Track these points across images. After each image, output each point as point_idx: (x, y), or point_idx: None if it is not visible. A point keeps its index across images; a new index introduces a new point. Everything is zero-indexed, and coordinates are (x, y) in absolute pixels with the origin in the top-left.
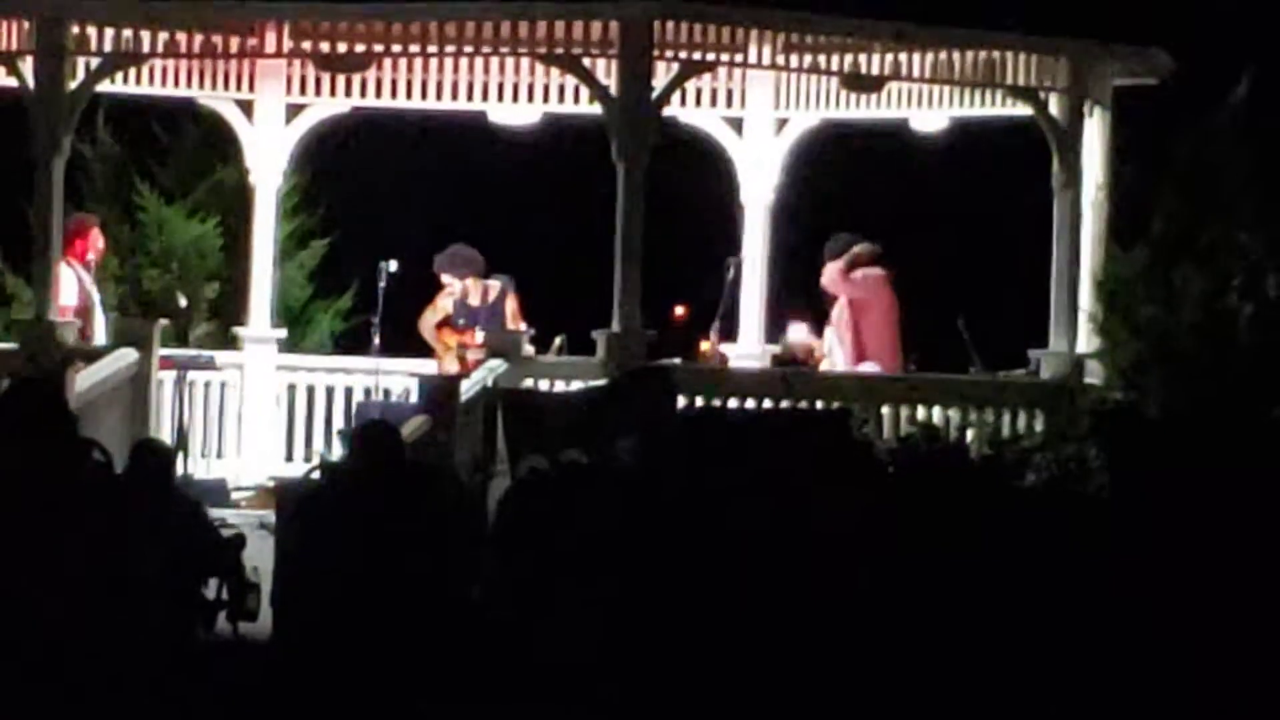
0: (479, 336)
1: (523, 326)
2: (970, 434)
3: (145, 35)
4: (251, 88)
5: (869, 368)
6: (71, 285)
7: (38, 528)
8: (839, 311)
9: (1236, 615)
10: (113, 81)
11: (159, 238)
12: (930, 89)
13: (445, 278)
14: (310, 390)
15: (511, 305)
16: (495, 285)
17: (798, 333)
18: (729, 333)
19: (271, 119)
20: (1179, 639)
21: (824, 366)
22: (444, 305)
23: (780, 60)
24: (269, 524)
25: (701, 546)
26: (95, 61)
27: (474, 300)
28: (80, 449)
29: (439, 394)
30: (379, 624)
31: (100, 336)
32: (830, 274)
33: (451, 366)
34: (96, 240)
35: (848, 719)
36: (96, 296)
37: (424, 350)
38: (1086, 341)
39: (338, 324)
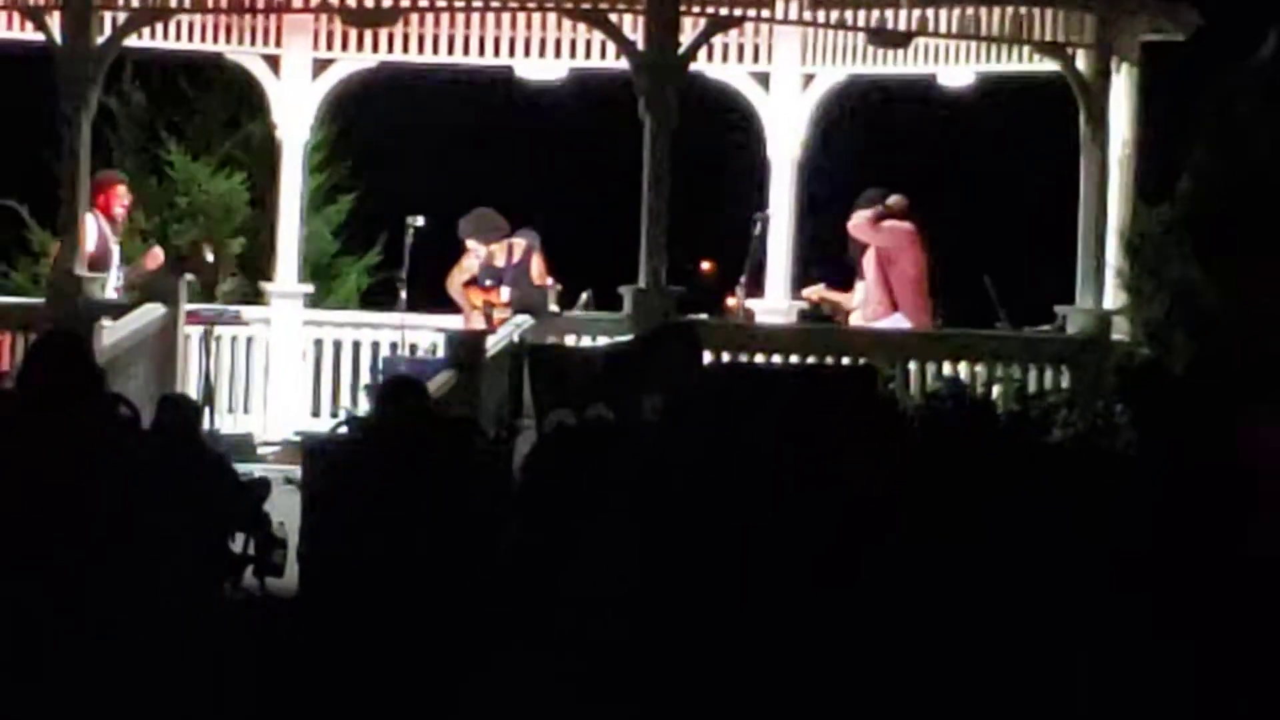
0: (504, 295)
1: (549, 283)
2: (996, 390)
3: None
4: (279, 43)
5: (897, 320)
6: (90, 232)
7: (64, 482)
8: (868, 261)
9: (1265, 570)
10: (140, 37)
11: (186, 193)
12: (957, 45)
13: (470, 243)
14: (337, 345)
15: (537, 262)
16: (520, 243)
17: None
18: (755, 288)
19: (298, 74)
20: (1207, 596)
21: (854, 318)
22: (469, 265)
23: (807, 16)
24: (295, 479)
25: (726, 502)
26: (122, 16)
27: (499, 261)
28: (107, 404)
29: (465, 349)
30: (405, 579)
31: (110, 291)
32: (858, 220)
33: (479, 324)
34: (122, 196)
35: (874, 677)
36: (115, 251)
37: (450, 306)
38: (1113, 297)
39: (364, 279)
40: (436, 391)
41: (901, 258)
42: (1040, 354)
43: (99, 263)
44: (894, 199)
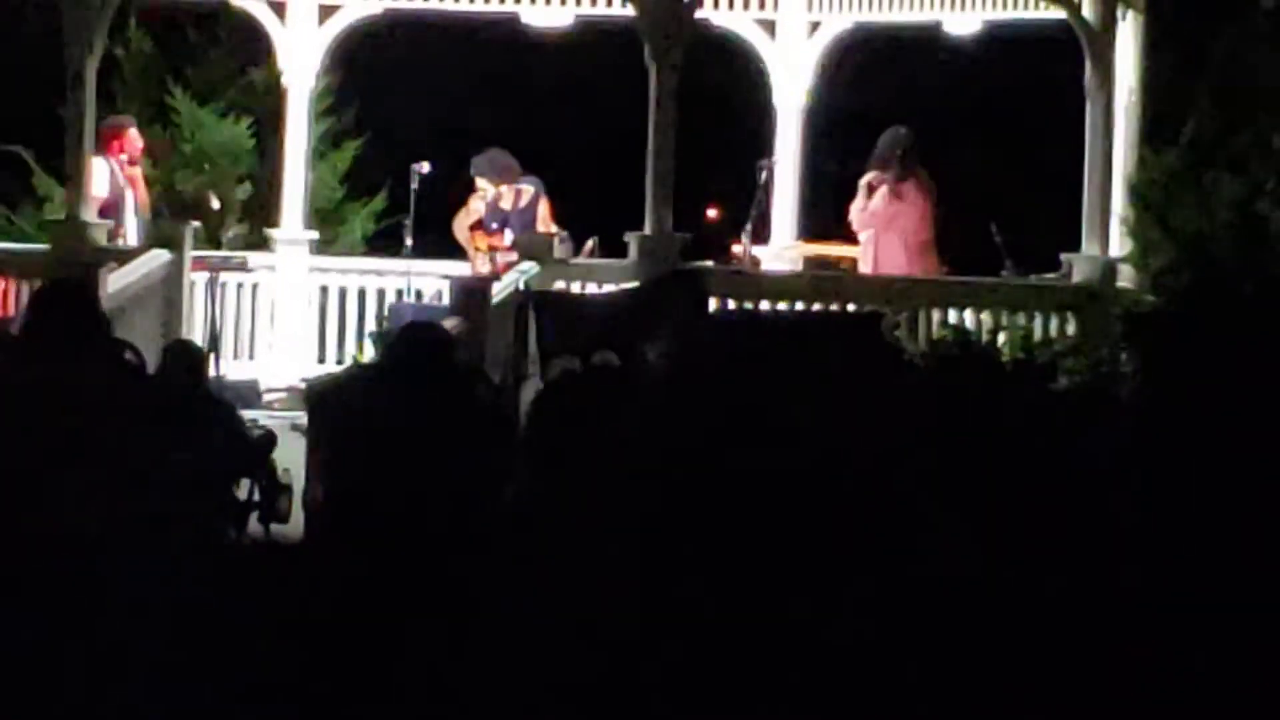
0: (508, 239)
1: (554, 229)
2: (1002, 338)
3: None
4: None
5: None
6: (104, 177)
7: (70, 429)
8: (882, 208)
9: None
10: None
11: (191, 139)
12: None
13: (480, 182)
14: (342, 292)
15: (543, 209)
16: (528, 190)
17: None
18: (761, 235)
19: (304, 20)
20: (1213, 545)
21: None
22: (476, 208)
23: None
24: (300, 425)
25: (732, 449)
26: None
27: (505, 204)
28: (112, 350)
29: (470, 295)
30: (409, 526)
31: (132, 237)
32: (884, 196)
33: (484, 268)
34: (135, 141)
35: (882, 630)
36: (129, 196)
37: (456, 252)
38: (1119, 245)
39: (370, 225)
40: None
41: (916, 213)
42: (1046, 302)
43: (111, 209)
44: (907, 144)
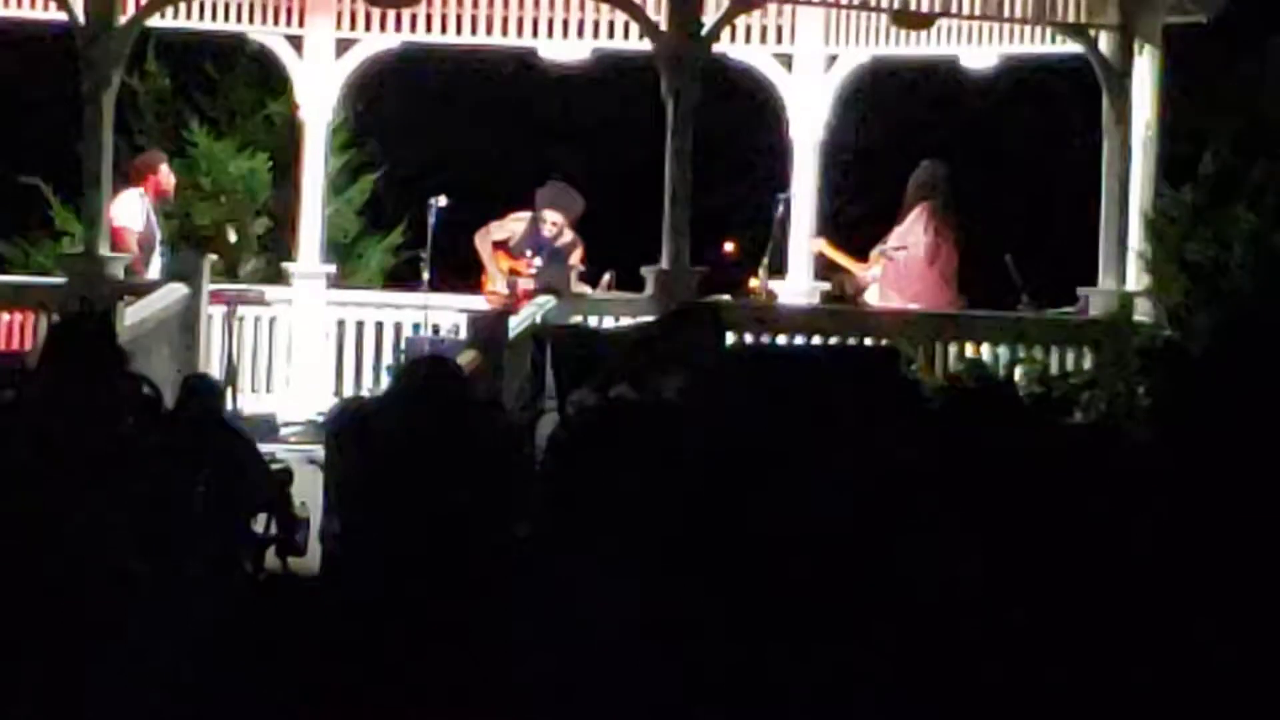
0: (535, 266)
1: (579, 268)
2: (1019, 372)
3: None
4: (301, 22)
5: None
6: (138, 209)
7: (87, 463)
8: (929, 242)
9: None
10: (162, 16)
11: (209, 173)
12: (980, 26)
13: (549, 213)
14: (359, 326)
15: (577, 255)
16: (569, 235)
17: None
18: (778, 270)
19: (321, 54)
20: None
21: (872, 294)
22: (513, 227)
23: None
24: (317, 459)
25: (748, 484)
26: None
27: (546, 232)
28: (130, 384)
29: (488, 329)
30: (427, 559)
31: (154, 273)
32: (927, 228)
33: (499, 287)
34: (167, 177)
35: (896, 659)
36: (158, 235)
37: (474, 286)
38: (1135, 280)
39: (387, 259)
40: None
41: (946, 250)
42: (1063, 336)
43: (146, 243)
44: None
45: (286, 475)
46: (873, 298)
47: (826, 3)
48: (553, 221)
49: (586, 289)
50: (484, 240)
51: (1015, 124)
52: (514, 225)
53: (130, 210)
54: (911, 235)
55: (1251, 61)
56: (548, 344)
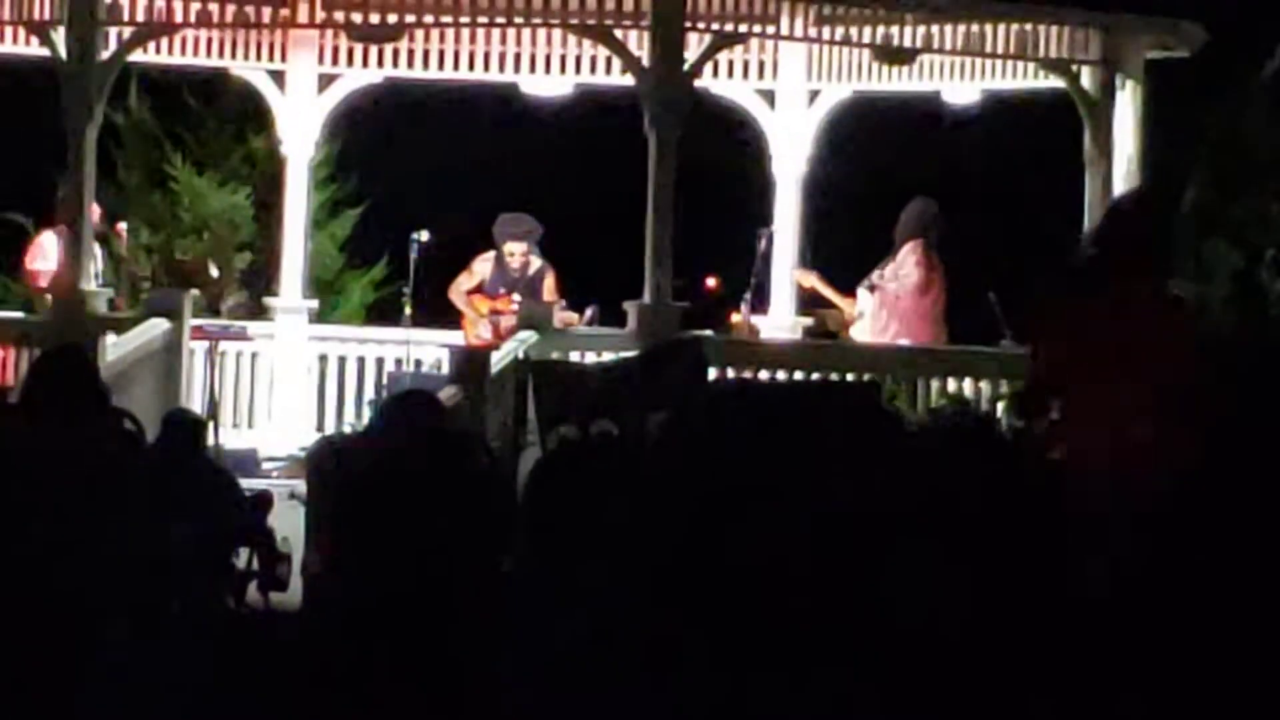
0: (515, 302)
1: (555, 298)
2: (1001, 406)
3: (178, 4)
4: (284, 58)
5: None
6: (51, 251)
7: (68, 499)
8: (920, 278)
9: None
10: (145, 51)
11: (191, 208)
12: (962, 61)
13: (511, 245)
14: (341, 360)
15: (550, 281)
16: (536, 261)
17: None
18: (760, 305)
19: (303, 89)
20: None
21: (859, 329)
22: (480, 270)
23: (812, 32)
24: (299, 494)
25: (730, 520)
26: (127, 31)
27: (514, 266)
28: (111, 419)
29: (469, 364)
30: (410, 593)
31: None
32: (920, 262)
33: (483, 333)
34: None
35: (877, 689)
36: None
37: (455, 321)
38: None
39: (369, 294)
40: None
41: (937, 289)
42: None
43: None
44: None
45: (266, 501)
46: (858, 333)
47: (809, 38)
48: (519, 253)
49: (573, 317)
50: (457, 293)
51: (997, 159)
52: (480, 268)
53: (44, 252)
54: (904, 269)
55: (1233, 96)
56: (530, 378)
